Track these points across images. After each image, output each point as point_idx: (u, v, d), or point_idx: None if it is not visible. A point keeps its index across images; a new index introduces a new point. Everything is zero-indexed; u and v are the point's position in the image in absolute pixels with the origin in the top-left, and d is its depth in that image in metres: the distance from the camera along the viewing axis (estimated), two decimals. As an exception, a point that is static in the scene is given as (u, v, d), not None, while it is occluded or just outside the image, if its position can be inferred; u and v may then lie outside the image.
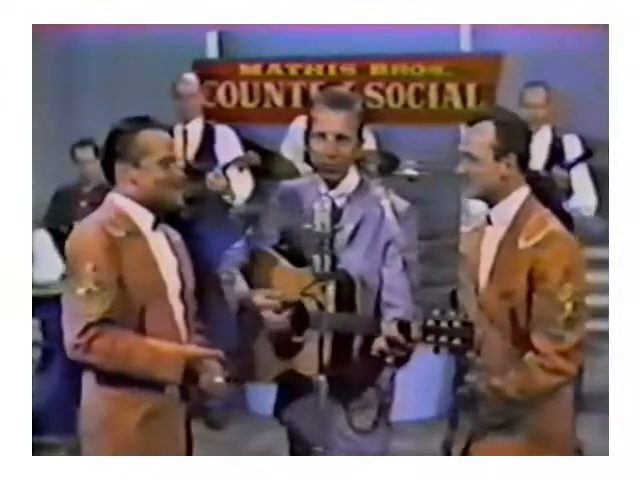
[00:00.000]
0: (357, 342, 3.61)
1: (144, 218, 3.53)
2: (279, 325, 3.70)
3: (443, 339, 3.27)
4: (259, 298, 3.74)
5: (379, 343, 3.50)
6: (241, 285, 3.81)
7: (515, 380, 3.42)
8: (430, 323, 3.29)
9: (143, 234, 3.51)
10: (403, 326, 3.43)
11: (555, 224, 3.50)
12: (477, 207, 5.83)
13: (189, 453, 3.61)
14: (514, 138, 3.51)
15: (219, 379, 3.49)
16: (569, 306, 3.38)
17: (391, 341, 3.46)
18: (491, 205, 3.55)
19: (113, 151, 3.53)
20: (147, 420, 3.44)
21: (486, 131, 3.48)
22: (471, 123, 3.55)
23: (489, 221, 3.57)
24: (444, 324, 3.27)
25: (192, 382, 3.46)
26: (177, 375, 3.42)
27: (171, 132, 3.64)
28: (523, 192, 3.54)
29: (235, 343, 3.92)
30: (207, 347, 3.60)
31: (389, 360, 3.52)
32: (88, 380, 3.49)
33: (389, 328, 3.46)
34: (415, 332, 3.35)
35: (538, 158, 6.21)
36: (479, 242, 3.59)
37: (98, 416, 3.47)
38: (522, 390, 3.42)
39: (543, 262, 3.40)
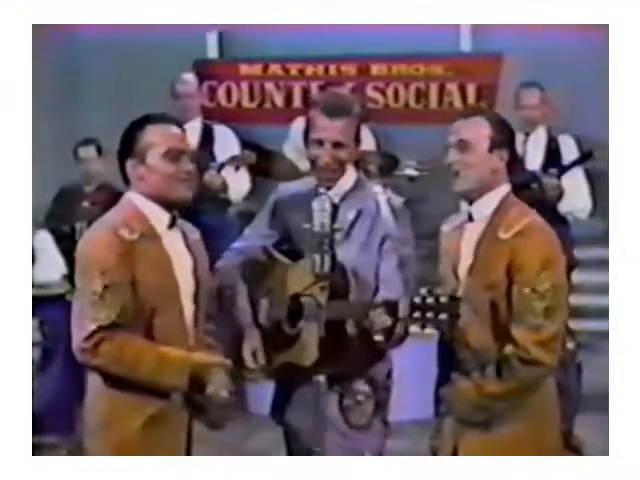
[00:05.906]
0: (350, 329, 3.57)
1: (160, 217, 3.46)
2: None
3: (430, 315, 3.23)
4: (247, 353, 3.76)
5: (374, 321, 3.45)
6: (244, 314, 3.81)
7: (494, 374, 3.42)
8: (417, 300, 3.27)
9: (158, 234, 3.44)
10: (391, 306, 3.40)
11: (534, 216, 3.53)
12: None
13: (188, 454, 3.60)
14: (506, 135, 3.58)
15: (224, 393, 3.43)
16: (547, 295, 3.39)
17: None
18: (471, 202, 3.57)
19: (124, 149, 3.47)
20: (150, 424, 3.41)
21: (483, 123, 3.54)
22: (464, 118, 3.59)
23: (470, 218, 3.58)
24: (431, 300, 3.24)
25: (197, 390, 3.41)
26: (183, 383, 3.38)
27: (182, 128, 3.52)
28: (504, 189, 3.56)
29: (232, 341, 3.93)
30: (216, 350, 3.58)
31: (380, 338, 3.48)
32: (94, 380, 3.45)
33: (376, 313, 3.43)
34: (402, 310, 3.31)
35: (534, 158, 6.23)
36: (460, 239, 3.60)
37: (101, 416, 3.45)
38: (501, 384, 3.42)
39: (522, 252, 3.42)
